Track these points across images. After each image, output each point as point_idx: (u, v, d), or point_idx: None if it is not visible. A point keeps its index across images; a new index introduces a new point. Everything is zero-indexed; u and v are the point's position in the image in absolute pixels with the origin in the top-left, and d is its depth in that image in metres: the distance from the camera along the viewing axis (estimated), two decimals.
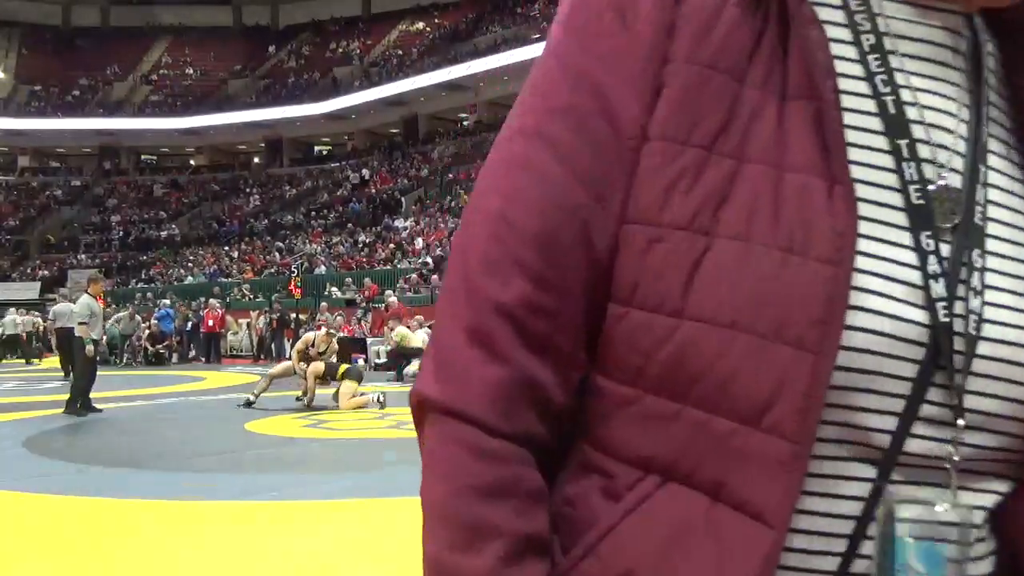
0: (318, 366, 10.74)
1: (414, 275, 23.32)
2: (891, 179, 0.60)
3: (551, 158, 0.63)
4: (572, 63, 0.64)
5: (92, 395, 10.21)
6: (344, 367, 10.99)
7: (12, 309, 25.37)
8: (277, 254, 32.23)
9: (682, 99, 0.61)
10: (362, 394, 10.73)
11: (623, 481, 0.62)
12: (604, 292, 0.62)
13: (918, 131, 0.62)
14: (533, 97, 0.66)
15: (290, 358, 11.18)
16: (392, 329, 15.40)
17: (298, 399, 10.95)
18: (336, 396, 10.78)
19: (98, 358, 21.08)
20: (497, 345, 0.61)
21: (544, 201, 0.62)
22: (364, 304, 21.57)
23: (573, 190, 0.62)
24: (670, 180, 0.60)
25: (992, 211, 0.63)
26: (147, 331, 22.07)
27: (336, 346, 11.53)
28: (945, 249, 0.60)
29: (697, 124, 0.60)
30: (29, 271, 38.67)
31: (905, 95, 0.62)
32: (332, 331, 11.68)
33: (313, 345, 10.95)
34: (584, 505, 0.63)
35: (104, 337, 22.04)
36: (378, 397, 10.46)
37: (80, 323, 10.02)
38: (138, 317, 22.38)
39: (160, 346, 21.74)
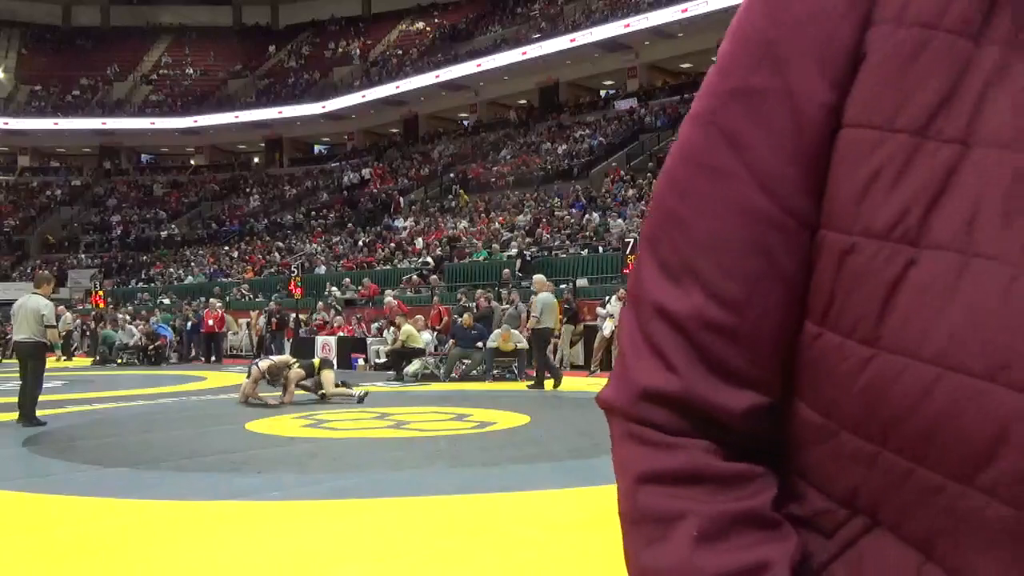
0: (298, 371, 11.03)
1: (414, 275, 23.31)
2: None
3: (726, 150, 0.53)
4: (755, 32, 0.54)
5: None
6: (318, 360, 11.56)
7: (63, 307, 25.17)
8: (277, 254, 32.22)
9: (887, 71, 0.50)
10: (343, 383, 11.23)
11: (831, 517, 0.54)
12: (800, 308, 0.53)
13: None
14: (714, 75, 0.56)
15: (266, 375, 11.02)
16: (399, 327, 15.44)
17: (262, 403, 10.83)
18: (318, 387, 11.07)
19: (97, 358, 20.64)
20: (666, 357, 0.54)
21: (716, 200, 0.53)
22: (334, 303, 21.58)
23: (748, 189, 0.53)
24: (866, 178, 0.50)
25: None
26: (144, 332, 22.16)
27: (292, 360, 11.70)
28: None
29: (907, 101, 0.49)
30: (29, 271, 38.65)
31: None
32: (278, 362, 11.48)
33: (279, 376, 11.01)
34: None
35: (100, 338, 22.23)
36: (360, 396, 10.85)
37: (49, 326, 9.16)
38: (133, 328, 22.30)
39: (154, 345, 21.70)
